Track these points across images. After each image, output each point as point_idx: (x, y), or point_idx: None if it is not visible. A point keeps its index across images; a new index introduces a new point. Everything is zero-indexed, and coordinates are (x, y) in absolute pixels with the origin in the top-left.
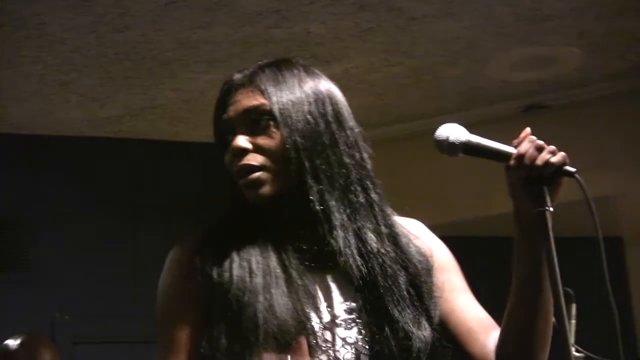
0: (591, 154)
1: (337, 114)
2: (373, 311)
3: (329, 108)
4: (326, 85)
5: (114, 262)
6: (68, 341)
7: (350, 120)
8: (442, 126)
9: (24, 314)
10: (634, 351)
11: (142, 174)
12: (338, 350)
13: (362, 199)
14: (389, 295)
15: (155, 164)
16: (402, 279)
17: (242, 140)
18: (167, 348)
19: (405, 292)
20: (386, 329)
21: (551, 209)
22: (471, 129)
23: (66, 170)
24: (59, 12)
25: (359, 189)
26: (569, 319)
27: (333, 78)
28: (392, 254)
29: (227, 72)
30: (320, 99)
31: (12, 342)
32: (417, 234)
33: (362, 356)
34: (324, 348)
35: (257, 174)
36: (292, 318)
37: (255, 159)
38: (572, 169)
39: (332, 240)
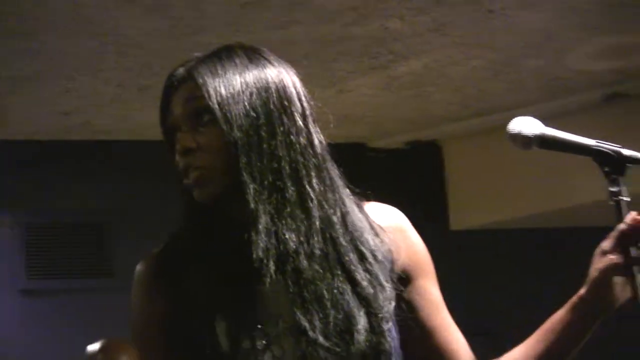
0: None
1: (284, 100)
2: (295, 327)
3: (273, 96)
4: (272, 72)
5: None
6: None
7: (299, 105)
8: (514, 119)
9: (107, 319)
10: None
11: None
12: None
13: (292, 194)
14: (308, 305)
15: None
16: (330, 274)
17: (186, 141)
18: None
19: (335, 290)
20: (310, 335)
21: None
22: (553, 120)
23: (147, 176)
24: (136, 17)
25: (289, 183)
26: None
27: (412, 74)
28: (319, 252)
29: (307, 71)
30: (263, 87)
31: (92, 348)
32: (391, 226)
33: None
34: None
35: (198, 174)
36: (237, 343)
37: (197, 159)
38: None
39: (252, 247)
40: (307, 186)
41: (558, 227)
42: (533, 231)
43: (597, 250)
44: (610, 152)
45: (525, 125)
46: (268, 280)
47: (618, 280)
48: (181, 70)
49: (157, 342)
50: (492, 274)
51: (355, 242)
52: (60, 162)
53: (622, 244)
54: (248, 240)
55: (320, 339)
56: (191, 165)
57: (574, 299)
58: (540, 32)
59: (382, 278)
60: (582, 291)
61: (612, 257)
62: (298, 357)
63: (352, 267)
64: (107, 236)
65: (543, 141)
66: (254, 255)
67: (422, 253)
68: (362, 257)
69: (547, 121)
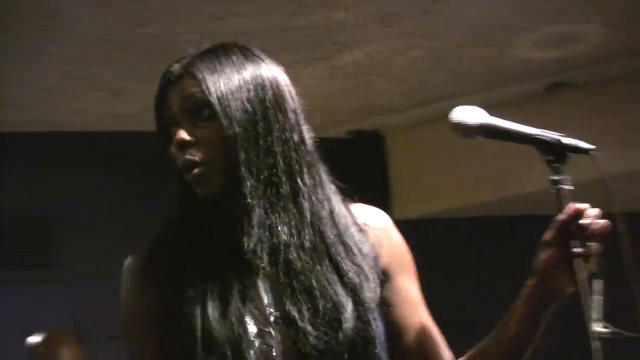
0: (615, 131)
1: (278, 97)
2: (287, 319)
3: (269, 93)
4: (267, 69)
5: None
6: (102, 337)
7: (292, 103)
8: (457, 108)
9: (53, 311)
10: None
11: (172, 168)
12: (272, 355)
13: (285, 189)
14: (299, 297)
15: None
16: (319, 265)
17: (183, 134)
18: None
19: (324, 280)
20: (299, 336)
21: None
22: (495, 109)
23: (93, 167)
24: (80, 5)
25: (284, 178)
26: (593, 294)
27: (356, 64)
28: (309, 244)
29: None
30: (259, 85)
31: (34, 339)
32: (374, 225)
33: (293, 351)
34: (259, 356)
35: (198, 170)
36: (226, 331)
37: (197, 153)
38: (588, 147)
39: (245, 239)
40: (299, 181)
41: (503, 215)
42: (477, 220)
43: (541, 241)
44: (551, 141)
45: (468, 114)
46: (261, 271)
47: (562, 270)
48: (177, 67)
49: (150, 334)
50: (436, 262)
51: (342, 236)
52: (5, 154)
53: (562, 235)
54: (241, 233)
55: (309, 327)
56: (191, 160)
57: (523, 291)
58: (483, 21)
59: (367, 270)
60: (529, 283)
61: (552, 249)
62: (288, 345)
63: (339, 259)
64: (54, 227)
65: (485, 131)
66: (247, 247)
67: (404, 252)
68: (348, 250)
69: (489, 110)
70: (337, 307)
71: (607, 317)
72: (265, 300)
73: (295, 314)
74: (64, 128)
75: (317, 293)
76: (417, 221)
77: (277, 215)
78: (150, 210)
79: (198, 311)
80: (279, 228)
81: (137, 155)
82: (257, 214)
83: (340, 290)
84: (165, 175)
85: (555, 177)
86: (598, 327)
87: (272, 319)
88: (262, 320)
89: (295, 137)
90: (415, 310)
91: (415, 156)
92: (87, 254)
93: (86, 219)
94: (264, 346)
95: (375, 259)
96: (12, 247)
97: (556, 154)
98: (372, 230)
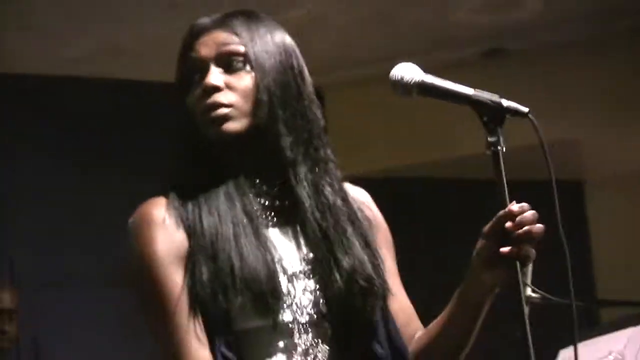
0: (552, 98)
1: (301, 69)
2: (325, 261)
3: (294, 62)
4: (290, 41)
5: (84, 206)
6: (32, 284)
7: (309, 77)
8: (397, 66)
9: None
10: (593, 292)
11: (111, 114)
12: (299, 299)
13: (321, 154)
14: (339, 247)
15: (118, 104)
16: (351, 232)
17: (215, 78)
18: (167, 309)
19: (356, 244)
20: (336, 277)
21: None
22: (434, 71)
23: (31, 108)
24: None
25: (319, 143)
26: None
27: (299, 23)
28: (344, 209)
29: (190, 14)
30: (288, 52)
31: None
32: (363, 201)
33: (320, 303)
34: (287, 299)
35: (225, 111)
36: (262, 268)
37: (225, 97)
38: (525, 109)
39: (297, 192)
40: (327, 150)
41: (444, 177)
42: (417, 180)
43: (480, 232)
44: (488, 101)
45: (407, 71)
46: (314, 224)
47: (495, 264)
48: (208, 21)
49: (177, 274)
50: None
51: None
52: None
53: (499, 231)
54: (279, 182)
55: (337, 276)
56: (219, 102)
57: (464, 281)
58: None
59: (374, 238)
60: (467, 274)
61: (488, 243)
62: (315, 289)
63: (362, 227)
64: None
65: (422, 88)
66: (299, 198)
67: (386, 228)
68: (363, 218)
69: (429, 72)
70: (362, 264)
71: (544, 284)
72: (296, 247)
73: (326, 263)
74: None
75: (348, 250)
76: (355, 179)
77: (321, 176)
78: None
79: (233, 251)
80: (326, 189)
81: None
82: (303, 170)
83: (362, 249)
84: (95, 120)
85: (491, 139)
86: (528, 293)
87: (303, 263)
88: (294, 264)
89: (317, 111)
90: (393, 280)
91: (355, 114)
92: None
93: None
94: (295, 287)
95: (373, 230)
96: None
97: (493, 115)
98: (361, 204)
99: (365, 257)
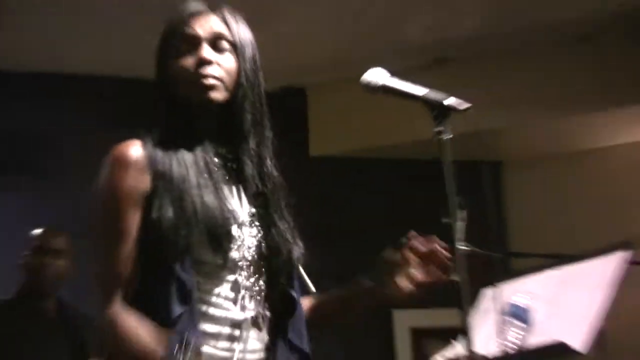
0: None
1: (259, 62)
2: (264, 217)
3: (257, 57)
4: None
5: None
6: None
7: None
8: (368, 71)
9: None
10: (507, 247)
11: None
12: (246, 243)
13: (267, 133)
14: (274, 208)
15: None
16: (281, 197)
17: (209, 53)
18: (113, 237)
19: (284, 210)
20: (273, 231)
21: None
22: (397, 74)
23: None
24: None
25: (266, 125)
26: (459, 220)
27: (288, 32)
28: (278, 178)
29: None
30: (254, 47)
31: (37, 230)
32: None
33: (262, 247)
34: (236, 241)
35: (214, 82)
36: (219, 214)
37: (216, 71)
38: (462, 107)
39: (244, 159)
40: (270, 130)
41: (416, 158)
42: (388, 161)
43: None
44: (434, 100)
45: (374, 76)
46: (254, 187)
47: (399, 279)
48: (200, 5)
49: (132, 212)
50: (351, 199)
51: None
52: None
53: (411, 254)
54: (234, 149)
55: (274, 231)
56: (211, 74)
57: (379, 283)
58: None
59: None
60: (384, 280)
61: (398, 259)
62: (259, 238)
63: (285, 192)
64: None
65: (385, 90)
66: (245, 164)
67: None
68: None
69: (395, 74)
70: (290, 226)
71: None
72: (239, 202)
73: (266, 218)
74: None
75: (280, 212)
76: (331, 158)
77: (265, 150)
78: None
79: (196, 197)
80: (267, 161)
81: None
82: (253, 143)
83: (289, 215)
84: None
85: (437, 129)
86: (460, 246)
87: (247, 215)
88: (242, 214)
89: (265, 98)
90: None
91: (334, 101)
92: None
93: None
94: (243, 233)
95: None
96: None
97: (439, 110)
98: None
99: (291, 220)
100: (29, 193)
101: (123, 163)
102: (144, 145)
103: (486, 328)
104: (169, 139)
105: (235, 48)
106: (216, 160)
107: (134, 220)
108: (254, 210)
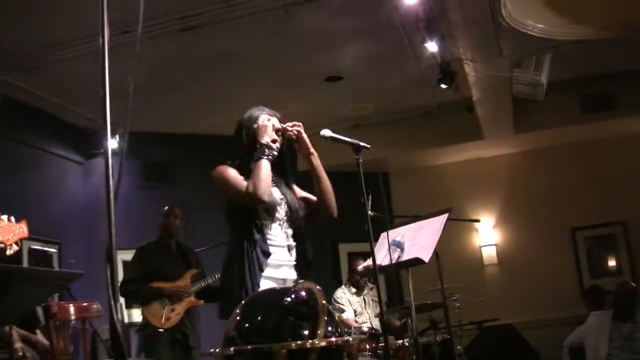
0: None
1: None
2: (291, 201)
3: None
4: None
5: None
6: None
7: None
8: (322, 130)
9: None
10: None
11: None
12: (283, 211)
13: (292, 166)
14: (293, 195)
15: None
16: (291, 180)
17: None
18: (239, 182)
19: (295, 195)
20: (292, 204)
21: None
22: (341, 131)
23: None
24: None
25: (292, 161)
26: (369, 201)
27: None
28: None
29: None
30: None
31: (166, 207)
32: None
33: (292, 214)
34: (279, 210)
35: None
36: (277, 198)
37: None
38: (366, 146)
39: (283, 177)
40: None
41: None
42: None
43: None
44: (354, 144)
45: (326, 132)
46: (285, 184)
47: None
48: (270, 111)
49: (238, 182)
50: None
51: None
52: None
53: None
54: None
55: (293, 204)
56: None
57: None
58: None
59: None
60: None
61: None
62: (287, 212)
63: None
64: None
65: (331, 140)
66: (284, 177)
67: None
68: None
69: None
70: (298, 203)
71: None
72: (280, 192)
73: (291, 201)
74: None
75: (294, 198)
76: None
77: (291, 172)
78: None
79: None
80: (291, 177)
81: None
82: (289, 169)
83: (298, 200)
84: None
85: (356, 157)
86: (370, 213)
87: (283, 202)
88: (278, 196)
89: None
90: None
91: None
92: None
93: None
94: (282, 207)
95: None
96: None
97: (356, 149)
98: None
99: (299, 200)
100: (165, 191)
101: (223, 169)
102: (231, 165)
103: (382, 252)
104: (240, 165)
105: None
106: (273, 176)
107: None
108: (283, 196)
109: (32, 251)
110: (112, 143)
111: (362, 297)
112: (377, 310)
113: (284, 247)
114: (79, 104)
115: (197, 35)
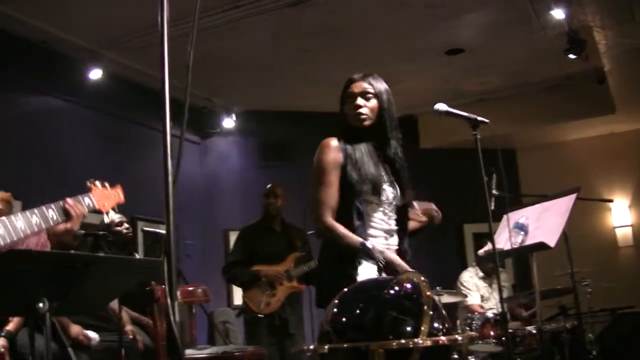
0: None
1: (393, 101)
2: (396, 181)
3: (391, 99)
4: (388, 88)
5: None
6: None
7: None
8: (437, 104)
9: None
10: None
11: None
12: (389, 192)
13: (399, 136)
14: (402, 176)
15: None
16: (405, 173)
17: (362, 101)
18: (324, 185)
19: (405, 178)
20: (400, 189)
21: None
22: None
23: None
24: None
25: (399, 134)
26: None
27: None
28: (404, 162)
29: None
30: (389, 93)
31: (269, 185)
32: None
33: (395, 196)
34: (385, 191)
35: (364, 116)
36: (377, 177)
37: (364, 110)
38: (485, 120)
39: (389, 149)
40: (400, 134)
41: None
42: None
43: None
44: (472, 119)
45: (441, 106)
46: (393, 165)
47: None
48: (357, 76)
49: (333, 172)
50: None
51: None
52: None
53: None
54: (382, 145)
55: (400, 189)
56: (362, 112)
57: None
58: None
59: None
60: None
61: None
62: (393, 194)
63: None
64: None
65: (447, 114)
66: (390, 152)
67: None
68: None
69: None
70: (408, 188)
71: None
72: (385, 173)
73: (397, 184)
74: None
75: (405, 182)
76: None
77: (397, 146)
78: None
79: (368, 169)
80: (398, 151)
81: None
82: (394, 143)
83: (406, 182)
84: None
85: (474, 133)
86: (495, 192)
87: (388, 180)
88: (386, 178)
89: (395, 117)
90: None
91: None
92: None
93: None
94: (388, 188)
95: None
96: None
97: (474, 124)
98: None
99: (408, 184)
100: (284, 170)
101: (327, 146)
102: (338, 140)
103: (504, 235)
104: (347, 140)
105: (376, 95)
106: (377, 151)
107: (335, 177)
108: (392, 178)
109: (145, 233)
110: (228, 122)
111: (490, 281)
112: (505, 295)
113: (388, 230)
114: (193, 83)
115: (309, 8)
